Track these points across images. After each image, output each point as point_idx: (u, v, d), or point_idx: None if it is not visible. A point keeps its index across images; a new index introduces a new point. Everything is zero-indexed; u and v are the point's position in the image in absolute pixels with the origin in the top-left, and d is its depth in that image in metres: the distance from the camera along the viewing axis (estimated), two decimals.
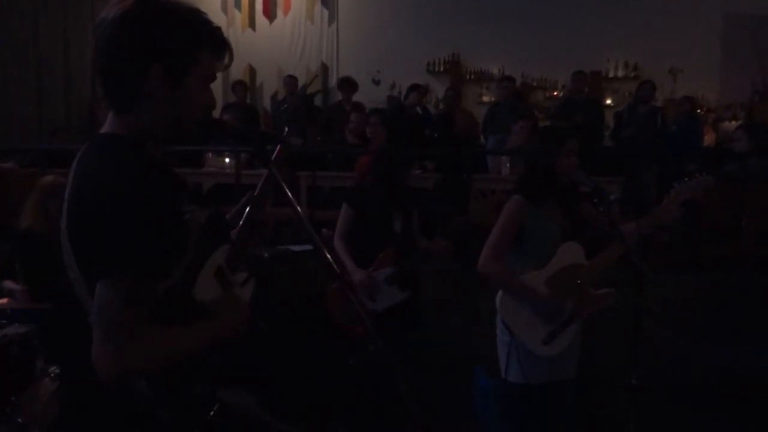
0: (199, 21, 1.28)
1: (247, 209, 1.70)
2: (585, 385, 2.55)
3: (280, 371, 3.57)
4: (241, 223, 1.66)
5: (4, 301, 2.92)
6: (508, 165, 5.54)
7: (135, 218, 1.15)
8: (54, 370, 2.75)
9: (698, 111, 7.78)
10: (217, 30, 1.31)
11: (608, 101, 8.20)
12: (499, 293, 2.45)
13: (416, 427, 3.48)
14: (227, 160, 5.86)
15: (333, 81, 8.97)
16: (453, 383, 3.78)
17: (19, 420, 2.66)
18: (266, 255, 3.80)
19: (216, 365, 1.40)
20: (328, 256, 1.45)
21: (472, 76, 8.81)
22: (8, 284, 3.07)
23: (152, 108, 1.26)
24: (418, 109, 6.78)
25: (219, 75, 1.35)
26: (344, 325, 3.23)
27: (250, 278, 1.60)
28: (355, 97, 7.11)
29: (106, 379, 1.17)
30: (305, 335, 3.65)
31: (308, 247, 3.97)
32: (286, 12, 9.28)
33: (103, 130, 1.30)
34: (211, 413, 1.37)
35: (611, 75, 8.39)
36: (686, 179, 2.40)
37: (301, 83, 9.25)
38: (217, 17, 8.23)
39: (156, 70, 1.22)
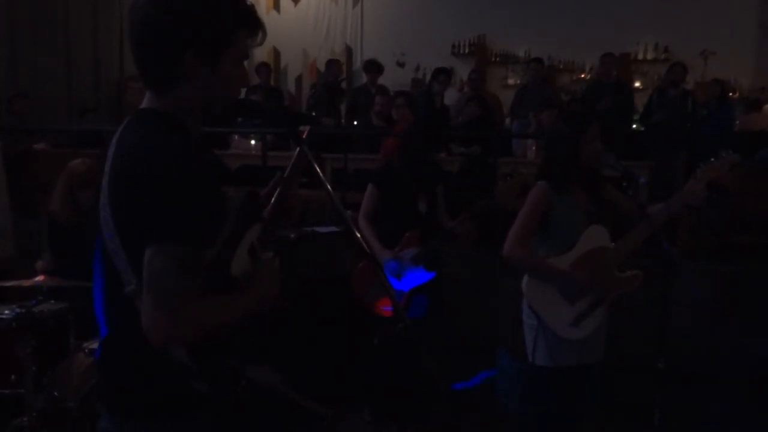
0: (233, 1, 1.28)
1: (277, 190, 1.71)
2: (611, 369, 2.54)
3: (305, 350, 3.63)
4: (271, 203, 1.68)
5: (41, 278, 2.99)
6: (533, 149, 5.49)
7: (188, 186, 1.18)
8: (88, 345, 2.84)
9: (730, 94, 7.61)
10: (251, 8, 1.31)
11: (637, 84, 8.04)
12: (525, 278, 2.45)
13: (439, 407, 3.52)
14: (253, 142, 5.90)
15: (357, 63, 8.94)
16: (475, 364, 3.81)
17: (55, 393, 2.75)
18: (292, 236, 3.84)
19: (243, 343, 1.43)
20: (358, 234, 1.47)
21: (498, 59, 8.70)
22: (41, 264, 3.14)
23: (189, 89, 1.27)
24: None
25: None
26: (370, 305, 3.26)
27: (275, 258, 1.62)
28: (379, 80, 7.08)
29: (156, 344, 1.19)
30: (331, 315, 3.69)
31: (334, 228, 4.01)
32: None
33: (143, 106, 1.32)
34: (238, 389, 1.41)
35: (641, 57, 8.22)
36: (712, 159, 2.39)
37: (323, 67, 9.25)
38: None
39: (191, 53, 1.23)
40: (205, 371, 1.29)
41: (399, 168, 3.43)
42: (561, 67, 8.47)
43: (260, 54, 8.51)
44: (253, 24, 1.30)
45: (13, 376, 2.82)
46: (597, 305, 2.39)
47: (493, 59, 8.71)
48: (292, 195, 1.67)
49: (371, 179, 3.47)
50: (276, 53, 9.24)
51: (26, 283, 2.90)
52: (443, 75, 6.61)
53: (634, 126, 6.85)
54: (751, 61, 7.83)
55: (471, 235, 3.27)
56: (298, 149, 1.60)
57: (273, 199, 1.68)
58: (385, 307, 3.20)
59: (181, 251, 1.17)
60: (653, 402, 2.40)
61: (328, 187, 1.46)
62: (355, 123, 6.44)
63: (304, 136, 1.53)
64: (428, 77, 7.98)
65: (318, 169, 1.45)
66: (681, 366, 3.00)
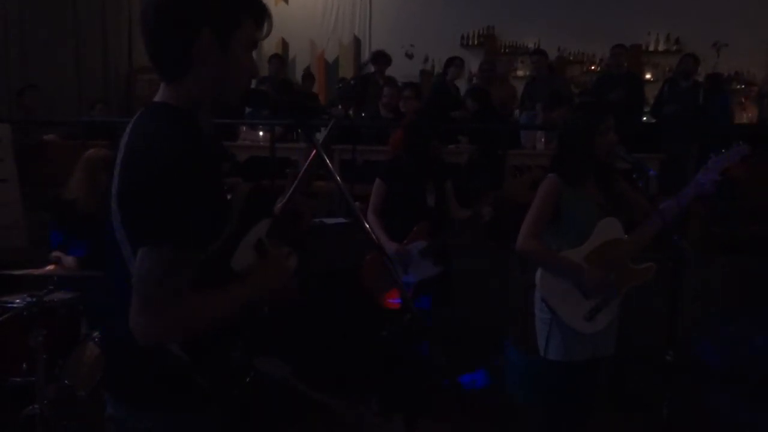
0: None
1: (292, 188, 1.69)
2: (620, 362, 2.54)
3: (314, 342, 3.64)
4: (284, 200, 1.65)
5: (52, 267, 3.01)
6: (542, 140, 5.45)
7: (180, 189, 1.17)
8: (98, 334, 2.86)
9: (740, 86, 7.54)
10: None
11: (648, 76, 7.97)
12: (539, 271, 2.44)
13: (446, 398, 3.52)
14: (261, 133, 5.90)
15: (365, 54, 8.91)
16: (483, 357, 3.81)
17: (66, 381, 2.78)
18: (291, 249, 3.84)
19: (253, 335, 1.42)
20: (367, 225, 1.47)
21: (507, 50, 8.65)
22: (57, 254, 3.15)
23: (201, 74, 1.27)
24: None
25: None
26: (378, 297, 3.27)
27: (291, 254, 1.61)
28: (388, 71, 7.06)
29: (142, 343, 1.20)
30: (339, 307, 3.70)
31: (342, 220, 4.00)
32: None
33: (156, 99, 1.32)
34: (247, 380, 1.41)
35: (652, 49, 8.14)
36: (723, 150, 2.39)
37: (332, 57, 9.22)
38: None
39: (205, 33, 1.23)
40: (202, 366, 1.28)
41: (406, 161, 3.42)
42: (571, 58, 8.41)
43: (268, 45, 8.49)
44: (259, 10, 1.30)
45: (24, 365, 2.84)
46: (611, 298, 2.38)
47: (503, 51, 8.66)
48: (303, 201, 1.64)
49: (379, 173, 3.46)
50: (284, 44, 9.22)
51: (36, 271, 2.92)
52: (458, 60, 6.62)
53: (645, 118, 6.80)
54: (764, 53, 7.74)
55: (488, 218, 3.23)
56: (312, 152, 1.57)
57: (286, 196, 1.65)
58: (393, 300, 3.21)
59: (170, 254, 1.17)
60: (662, 394, 2.39)
61: (338, 178, 1.45)
62: (363, 114, 6.43)
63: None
64: (437, 69, 7.97)
65: (327, 161, 1.45)
66: (690, 358, 2.99)
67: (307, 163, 1.66)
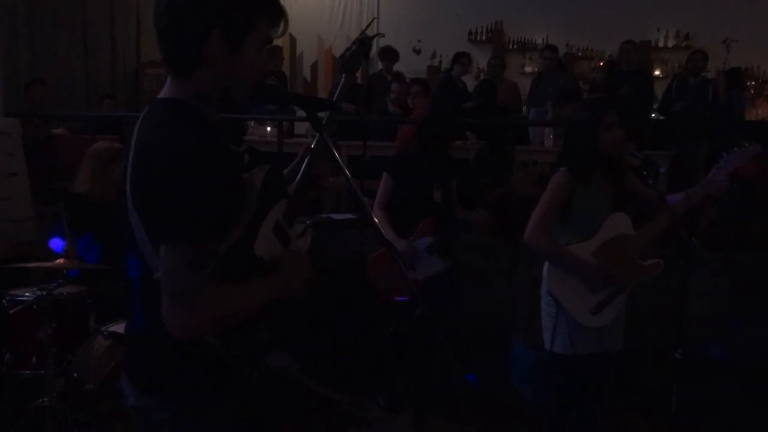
0: None
1: (304, 163, 1.69)
2: (629, 359, 2.54)
3: (321, 338, 3.65)
4: (298, 177, 1.65)
5: (61, 261, 3.02)
6: (551, 137, 5.43)
7: (195, 185, 1.17)
8: (107, 328, 2.87)
9: (751, 83, 7.47)
10: None
11: (657, 72, 7.92)
12: (545, 265, 2.44)
13: (454, 394, 3.52)
14: (269, 128, 5.91)
15: (373, 50, 8.89)
16: (490, 352, 3.81)
17: (75, 374, 2.80)
18: (307, 222, 3.84)
19: (263, 328, 1.43)
20: (376, 221, 1.47)
21: (515, 46, 8.62)
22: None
23: (211, 72, 1.27)
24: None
25: None
26: (385, 293, 3.27)
27: (308, 228, 1.61)
28: (395, 67, 7.05)
29: (177, 338, 1.22)
30: (346, 303, 3.70)
31: (349, 215, 4.00)
32: None
33: (163, 94, 1.32)
34: (255, 374, 1.41)
35: (661, 45, 8.09)
36: (735, 149, 2.38)
37: (339, 53, 9.21)
38: None
39: (215, 35, 1.23)
40: (233, 349, 1.31)
41: (414, 156, 3.41)
42: (579, 54, 8.37)
43: (276, 40, 8.46)
44: (274, 10, 1.31)
45: (34, 358, 2.86)
46: (618, 293, 2.38)
47: (511, 46, 8.63)
48: (319, 166, 1.63)
49: (386, 168, 3.46)
50: (292, 40, 9.22)
51: (47, 265, 2.93)
52: (465, 57, 6.59)
53: (654, 115, 6.75)
54: None
55: (486, 225, 3.26)
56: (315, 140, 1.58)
57: (300, 172, 1.65)
58: (399, 296, 3.21)
59: (190, 250, 1.18)
60: (671, 391, 2.39)
61: (347, 173, 1.45)
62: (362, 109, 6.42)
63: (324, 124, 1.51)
64: (444, 64, 7.95)
65: (337, 155, 1.45)
66: (699, 356, 2.98)
67: (315, 140, 1.64)
